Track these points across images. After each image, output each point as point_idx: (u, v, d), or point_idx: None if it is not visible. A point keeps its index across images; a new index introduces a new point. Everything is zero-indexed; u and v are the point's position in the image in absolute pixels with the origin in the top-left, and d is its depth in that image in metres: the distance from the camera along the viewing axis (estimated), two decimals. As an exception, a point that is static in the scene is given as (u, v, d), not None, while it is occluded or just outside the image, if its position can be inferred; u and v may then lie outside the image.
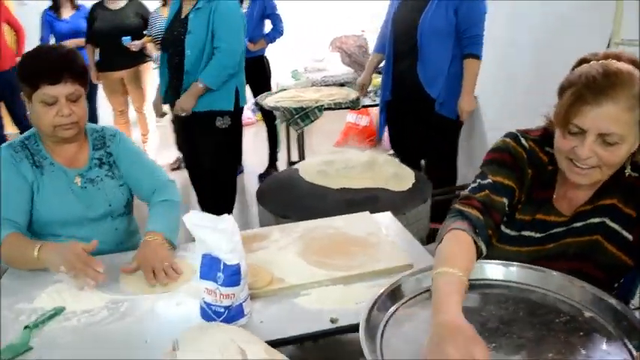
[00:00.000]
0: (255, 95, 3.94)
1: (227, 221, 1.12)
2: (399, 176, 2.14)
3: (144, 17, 4.33)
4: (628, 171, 1.16)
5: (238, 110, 2.88)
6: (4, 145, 1.63)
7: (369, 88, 3.57)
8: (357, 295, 1.30)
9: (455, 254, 1.09)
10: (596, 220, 1.19)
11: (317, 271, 1.39)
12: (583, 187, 1.20)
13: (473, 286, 1.12)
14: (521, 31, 3.06)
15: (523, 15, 3.03)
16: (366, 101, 3.56)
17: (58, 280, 1.40)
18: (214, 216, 1.14)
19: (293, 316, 1.23)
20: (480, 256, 1.17)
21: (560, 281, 1.12)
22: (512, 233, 1.27)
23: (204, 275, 1.17)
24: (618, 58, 1.10)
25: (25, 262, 1.45)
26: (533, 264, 1.15)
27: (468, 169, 3.08)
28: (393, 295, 1.10)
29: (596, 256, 1.19)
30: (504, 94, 3.20)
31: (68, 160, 1.66)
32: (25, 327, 1.19)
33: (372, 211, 1.79)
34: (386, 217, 1.78)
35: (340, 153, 2.34)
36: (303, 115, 3.09)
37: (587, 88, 1.07)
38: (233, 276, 1.14)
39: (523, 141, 1.27)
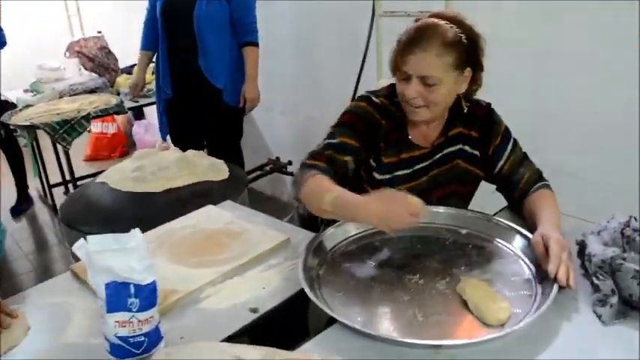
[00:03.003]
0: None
1: (136, 236, 0.99)
2: (216, 166, 2.12)
3: None
4: (464, 106, 1.43)
5: None
6: None
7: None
8: (258, 281, 1.30)
9: (327, 183, 1.26)
10: (453, 148, 1.45)
11: (205, 271, 1.32)
12: (432, 124, 1.44)
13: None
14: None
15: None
16: (129, 104, 3.34)
17: None
18: (118, 234, 1.00)
19: (212, 320, 1.17)
20: None
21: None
22: (387, 177, 1.44)
23: (112, 308, 1.02)
24: (440, 15, 1.35)
25: None
26: None
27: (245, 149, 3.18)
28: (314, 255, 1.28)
29: (460, 177, 1.46)
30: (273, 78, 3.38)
31: None
32: None
33: (207, 204, 1.76)
34: (228, 206, 1.78)
35: (141, 158, 2.18)
36: (69, 129, 2.76)
37: (406, 40, 1.32)
38: (150, 296, 1.03)
39: (374, 99, 1.44)
